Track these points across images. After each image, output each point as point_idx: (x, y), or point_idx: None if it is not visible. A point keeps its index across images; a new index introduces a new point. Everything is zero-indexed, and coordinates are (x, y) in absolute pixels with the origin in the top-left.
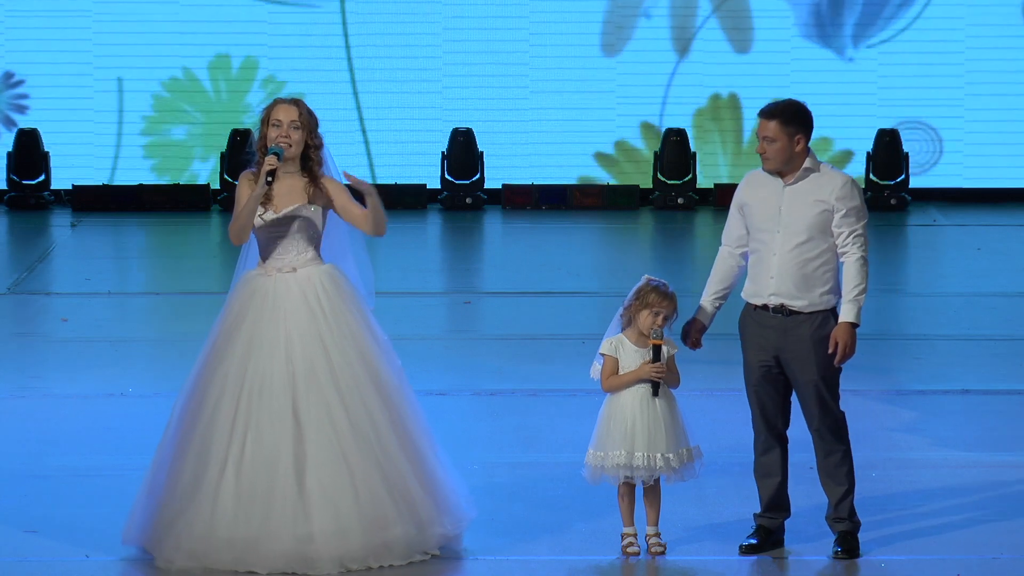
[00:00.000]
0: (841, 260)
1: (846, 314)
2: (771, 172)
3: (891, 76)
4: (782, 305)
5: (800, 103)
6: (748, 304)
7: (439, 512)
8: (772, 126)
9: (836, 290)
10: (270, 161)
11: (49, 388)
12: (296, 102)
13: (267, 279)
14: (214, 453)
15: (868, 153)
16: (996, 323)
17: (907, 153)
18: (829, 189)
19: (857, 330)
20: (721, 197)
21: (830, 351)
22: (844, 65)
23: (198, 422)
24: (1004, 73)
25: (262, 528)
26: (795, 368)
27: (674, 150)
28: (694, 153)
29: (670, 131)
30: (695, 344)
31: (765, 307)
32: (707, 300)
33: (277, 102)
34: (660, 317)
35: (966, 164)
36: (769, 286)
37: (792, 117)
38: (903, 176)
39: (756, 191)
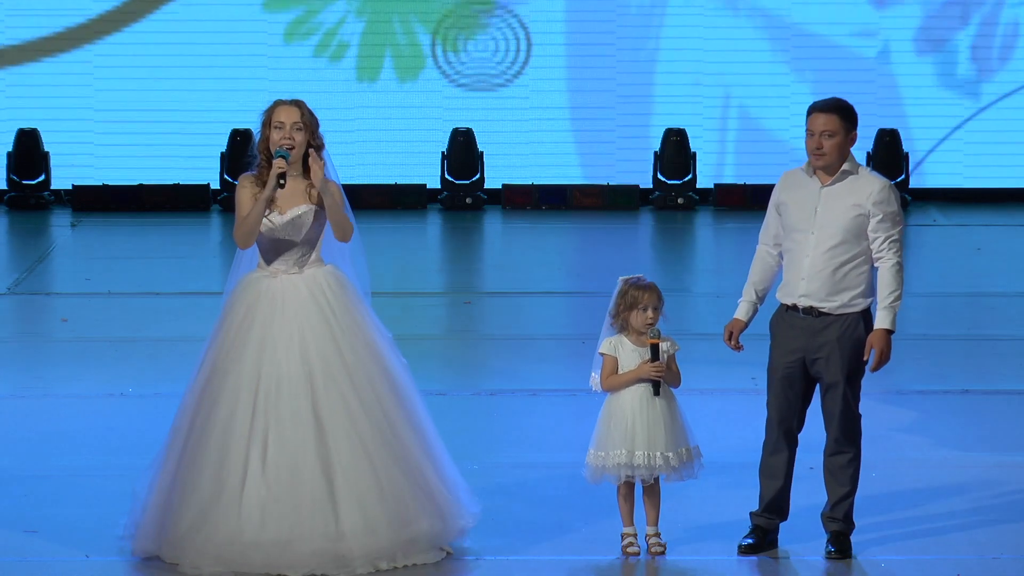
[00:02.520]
0: (876, 265)
1: (882, 321)
2: (823, 168)
3: (891, 75)
4: (811, 307)
5: (847, 100)
6: (780, 304)
7: (457, 504)
8: (834, 119)
9: (867, 293)
10: (279, 164)
11: (49, 388)
12: (297, 103)
13: (273, 280)
14: (234, 456)
15: (868, 153)
16: (996, 323)
17: (907, 153)
18: (867, 193)
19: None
20: (721, 197)
21: (865, 358)
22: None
23: (213, 427)
24: (1004, 74)
25: (292, 529)
26: (821, 369)
27: (674, 150)
28: (694, 153)
29: (670, 131)
30: (737, 346)
31: (795, 307)
32: (747, 300)
33: (278, 103)
34: (649, 311)
35: (966, 164)
36: (799, 287)
37: (849, 113)
38: (903, 176)
39: (793, 191)
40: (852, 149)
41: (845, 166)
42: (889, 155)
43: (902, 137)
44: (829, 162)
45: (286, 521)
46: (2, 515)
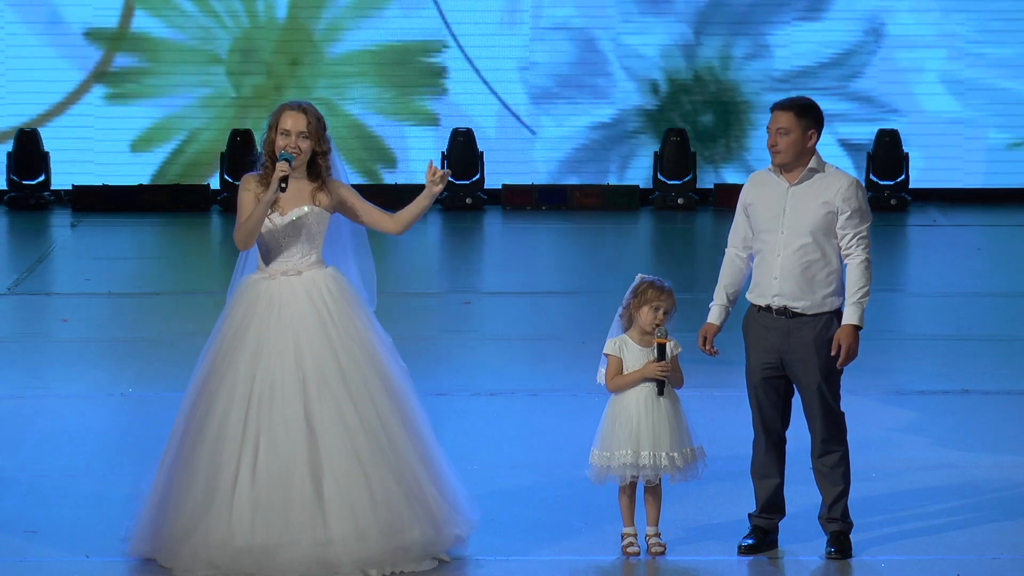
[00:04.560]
0: (845, 262)
1: (849, 317)
2: (780, 166)
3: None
4: (785, 307)
5: (812, 100)
6: (752, 305)
7: (453, 512)
8: (787, 117)
9: (839, 292)
10: (282, 168)
11: (49, 388)
12: (304, 110)
13: (272, 283)
14: (226, 461)
15: (868, 153)
16: (996, 323)
17: (907, 153)
18: (834, 191)
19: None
20: (721, 197)
21: (832, 353)
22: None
23: (206, 431)
24: (1004, 71)
25: (281, 535)
26: (798, 370)
27: (674, 150)
28: (694, 153)
29: (670, 131)
30: (712, 351)
31: (768, 308)
32: (719, 303)
33: (285, 109)
34: (660, 312)
35: (966, 164)
36: (772, 287)
37: (806, 111)
38: (903, 176)
39: (760, 191)
40: (853, 147)
41: (812, 164)
42: (889, 155)
43: (902, 137)
44: (784, 160)
45: (275, 526)
46: (2, 515)
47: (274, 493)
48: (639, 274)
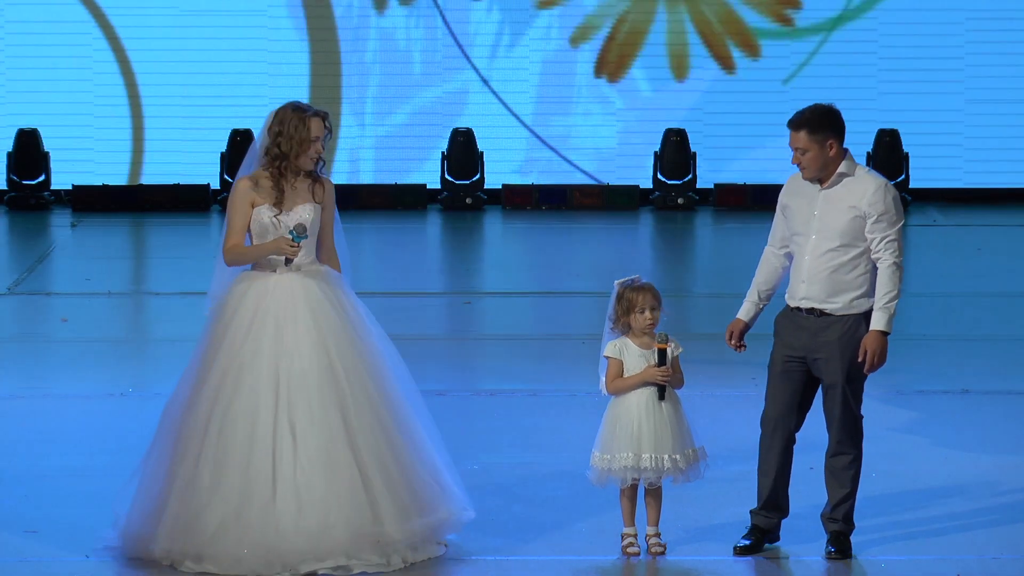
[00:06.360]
0: (876, 266)
1: (876, 322)
2: (809, 180)
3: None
4: (813, 308)
5: (827, 106)
6: (787, 304)
7: (463, 494)
8: (801, 137)
9: (870, 294)
10: (294, 253)
11: (49, 388)
12: (323, 117)
13: (280, 276)
14: (260, 453)
15: (868, 153)
16: (996, 323)
17: (907, 153)
18: (861, 194)
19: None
20: (721, 197)
21: (860, 359)
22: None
23: (233, 426)
24: (1004, 73)
25: (329, 517)
26: (822, 369)
27: (674, 150)
28: (694, 153)
29: (670, 131)
30: (738, 346)
31: (799, 309)
32: (750, 300)
33: (309, 117)
34: (647, 311)
35: (966, 164)
36: (800, 289)
37: (819, 124)
38: (903, 176)
39: (796, 194)
40: (853, 147)
41: (842, 168)
42: (889, 155)
43: (902, 137)
44: (811, 175)
45: (324, 507)
46: (2, 515)
47: (318, 476)
48: (615, 281)
